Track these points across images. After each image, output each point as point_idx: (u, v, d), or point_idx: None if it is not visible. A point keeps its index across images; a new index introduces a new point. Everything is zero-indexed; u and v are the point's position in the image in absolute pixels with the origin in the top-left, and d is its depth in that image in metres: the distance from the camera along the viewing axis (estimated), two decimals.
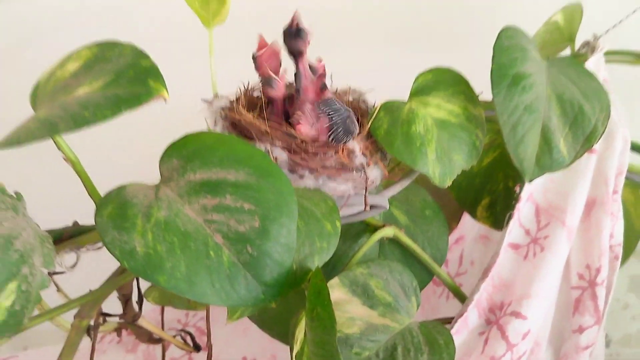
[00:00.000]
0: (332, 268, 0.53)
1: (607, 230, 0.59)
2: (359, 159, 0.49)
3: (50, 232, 0.47)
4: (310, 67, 0.52)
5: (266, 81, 0.50)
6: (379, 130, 0.50)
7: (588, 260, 0.59)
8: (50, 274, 0.50)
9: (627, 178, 0.62)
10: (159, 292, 0.61)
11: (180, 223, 0.38)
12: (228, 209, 0.39)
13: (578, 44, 0.70)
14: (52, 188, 0.72)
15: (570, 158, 0.52)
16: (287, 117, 0.52)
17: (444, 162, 0.50)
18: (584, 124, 0.52)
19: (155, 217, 0.38)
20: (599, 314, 0.58)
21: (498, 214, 0.65)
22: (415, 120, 0.50)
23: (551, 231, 0.57)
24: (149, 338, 0.62)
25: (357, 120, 0.54)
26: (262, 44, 0.52)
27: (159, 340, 0.63)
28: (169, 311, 0.71)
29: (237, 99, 0.53)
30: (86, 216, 0.49)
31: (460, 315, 0.53)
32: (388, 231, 0.53)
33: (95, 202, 0.46)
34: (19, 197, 0.37)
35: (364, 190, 0.50)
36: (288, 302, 0.47)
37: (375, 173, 0.50)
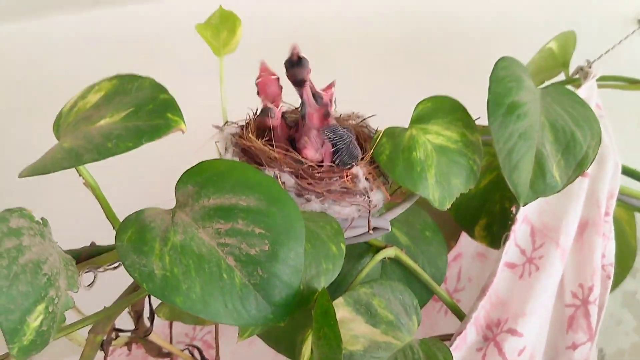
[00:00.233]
0: (337, 286, 0.55)
1: (599, 250, 0.62)
2: (363, 183, 0.51)
3: (68, 252, 0.50)
4: (317, 95, 0.54)
5: (264, 111, 0.53)
6: (382, 156, 0.53)
7: (581, 279, 0.62)
8: None
9: (619, 200, 0.65)
10: (169, 308, 0.64)
11: (195, 246, 0.40)
12: (240, 233, 0.41)
13: (572, 69, 0.72)
14: (69, 209, 0.74)
15: (563, 183, 0.54)
16: (293, 142, 0.54)
17: (443, 186, 0.53)
18: (576, 150, 0.55)
19: (172, 241, 0.40)
20: (591, 331, 0.60)
21: (495, 234, 0.67)
22: (416, 147, 0.53)
23: (545, 251, 0.60)
24: (159, 352, 0.64)
25: (360, 145, 0.57)
26: (263, 70, 0.55)
27: (167, 354, 0.65)
28: (177, 325, 0.73)
29: (247, 125, 0.55)
30: (104, 237, 0.52)
31: (459, 332, 0.55)
32: (390, 252, 0.56)
33: (112, 225, 0.48)
34: (44, 222, 0.40)
35: (368, 213, 0.52)
36: (294, 318, 0.49)
37: (378, 197, 0.53)
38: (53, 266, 0.37)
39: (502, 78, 0.55)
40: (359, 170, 0.51)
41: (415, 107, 0.57)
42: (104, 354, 0.59)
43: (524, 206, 0.55)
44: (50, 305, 0.35)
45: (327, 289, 0.45)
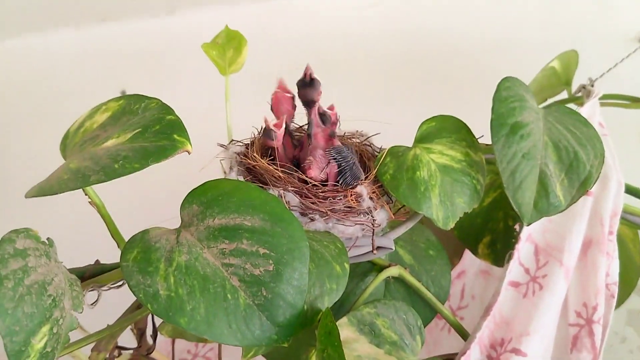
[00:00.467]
0: (340, 305, 0.55)
1: (603, 269, 0.61)
2: (367, 202, 0.52)
3: (73, 270, 0.50)
4: (324, 114, 0.55)
5: (266, 133, 0.53)
6: (385, 175, 0.53)
7: (585, 299, 0.61)
8: None
9: (622, 218, 0.65)
10: (172, 326, 0.64)
11: (199, 267, 0.40)
12: (244, 253, 0.41)
13: (574, 87, 0.73)
14: (75, 226, 0.75)
15: (567, 202, 0.54)
16: (298, 162, 0.54)
17: (446, 206, 0.53)
18: (579, 169, 0.55)
19: (177, 262, 0.40)
20: (595, 350, 0.60)
21: (499, 252, 0.67)
22: (420, 166, 0.53)
23: (549, 270, 0.59)
24: None
25: (364, 164, 0.57)
26: (279, 87, 0.56)
27: None
28: (180, 342, 0.73)
29: (252, 143, 0.56)
30: (109, 254, 0.52)
31: (463, 352, 0.55)
32: (393, 271, 0.56)
33: (117, 243, 0.48)
34: (50, 243, 0.40)
35: (372, 233, 0.52)
36: (298, 338, 0.49)
37: (381, 216, 0.53)
38: (58, 287, 0.37)
39: (505, 98, 0.55)
40: (363, 189, 0.52)
41: (420, 127, 0.57)
42: None
43: (527, 226, 0.55)
44: (55, 326, 0.36)
45: (330, 308, 0.45)
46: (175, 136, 0.41)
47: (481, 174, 0.55)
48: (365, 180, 0.53)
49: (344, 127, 0.62)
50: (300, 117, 0.58)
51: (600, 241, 0.62)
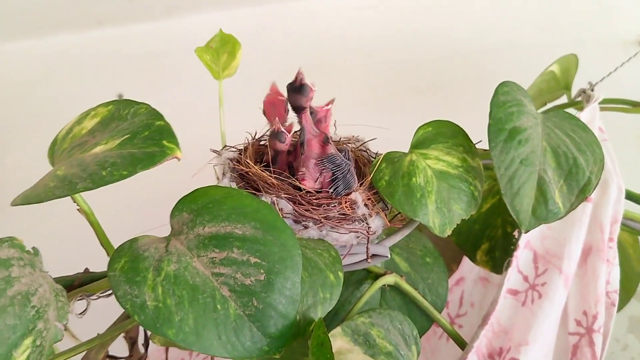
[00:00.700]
0: (335, 314, 0.54)
1: (603, 277, 0.60)
2: (362, 209, 0.51)
3: (61, 279, 0.49)
4: (312, 110, 0.54)
5: (275, 135, 0.52)
6: (381, 181, 0.52)
7: (585, 307, 0.60)
8: None
9: (623, 224, 0.64)
10: None
11: (189, 276, 0.39)
12: (235, 262, 0.40)
13: (574, 92, 0.72)
14: (64, 234, 0.74)
15: (566, 209, 0.53)
16: (291, 168, 0.53)
17: (443, 213, 0.52)
18: (579, 176, 0.54)
19: (166, 271, 0.39)
20: None
21: (497, 259, 0.66)
22: (416, 172, 0.52)
23: (548, 278, 0.58)
24: None
25: (359, 169, 0.56)
26: (272, 90, 0.55)
27: None
28: (173, 350, 0.72)
29: (245, 149, 0.55)
30: (99, 262, 0.51)
31: None
32: (389, 279, 0.55)
33: (106, 251, 0.48)
34: (35, 252, 0.39)
35: (367, 241, 0.51)
36: (291, 347, 0.48)
37: (377, 223, 0.52)
38: (42, 297, 0.36)
39: (503, 103, 0.54)
40: (358, 196, 0.51)
41: (416, 132, 0.56)
42: None
43: (526, 233, 0.54)
44: (38, 338, 0.35)
45: (324, 317, 0.45)
46: (164, 142, 0.40)
47: (479, 180, 0.55)
48: (360, 186, 0.52)
49: (340, 131, 0.61)
50: (294, 121, 0.58)
51: (601, 248, 0.61)
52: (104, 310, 0.54)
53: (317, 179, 0.51)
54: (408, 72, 0.94)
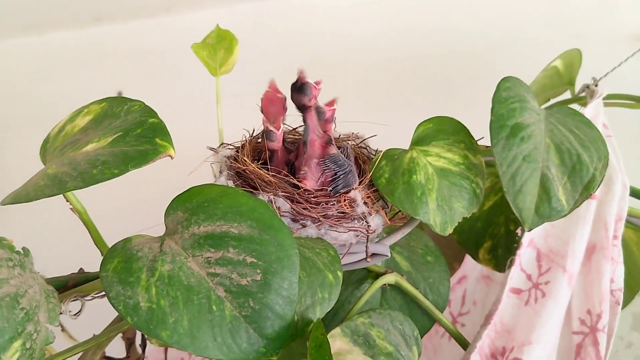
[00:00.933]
0: (334, 314, 0.53)
1: (607, 275, 0.59)
2: (361, 208, 0.50)
3: (56, 279, 0.48)
4: (319, 109, 0.53)
5: (266, 134, 0.51)
6: (381, 179, 0.51)
7: (589, 306, 0.59)
8: None
9: (627, 222, 0.63)
10: None
11: (183, 277, 0.38)
12: (231, 262, 0.39)
13: (577, 87, 0.71)
14: (58, 233, 0.73)
15: (569, 207, 0.52)
16: (290, 166, 0.53)
17: (444, 211, 0.51)
18: (583, 172, 0.53)
19: (160, 271, 0.38)
20: None
21: (500, 257, 0.65)
22: (416, 170, 0.51)
23: (552, 277, 0.57)
24: None
25: (359, 167, 0.55)
26: (271, 87, 0.54)
27: None
28: (172, 349, 0.71)
29: (242, 147, 0.54)
30: (94, 262, 0.50)
31: None
32: (390, 278, 0.54)
33: (100, 251, 0.47)
34: (26, 252, 0.38)
35: (366, 239, 0.50)
36: (289, 348, 0.47)
37: (377, 221, 0.51)
38: (32, 299, 0.35)
39: (505, 99, 0.53)
40: (357, 194, 0.50)
41: (416, 128, 0.55)
42: None
43: (529, 231, 0.53)
44: (28, 341, 0.34)
45: (323, 316, 0.44)
46: (157, 140, 0.39)
47: (480, 178, 0.53)
48: (359, 184, 0.51)
49: (340, 128, 0.60)
50: (294, 119, 0.57)
51: (605, 246, 0.60)
52: (101, 311, 0.53)
53: (319, 179, 0.50)
54: (408, 69, 0.93)
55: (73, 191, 0.43)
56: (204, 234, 0.40)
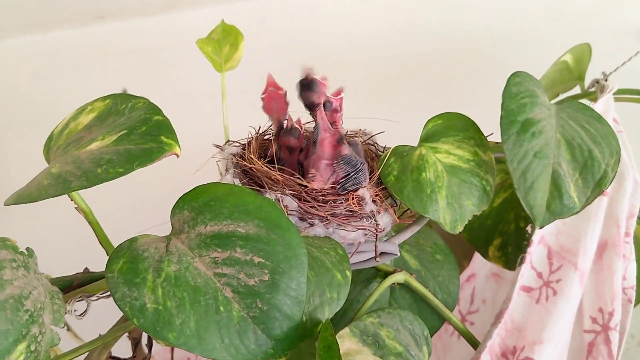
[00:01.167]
0: (343, 313, 0.53)
1: (619, 272, 0.58)
2: (369, 206, 0.49)
3: (61, 279, 0.47)
4: (328, 100, 0.52)
5: (289, 131, 0.50)
6: (389, 177, 0.50)
7: (601, 304, 0.59)
8: None
9: (639, 219, 0.62)
10: None
11: (190, 277, 0.38)
12: (238, 262, 0.39)
13: (587, 82, 0.70)
14: (64, 232, 0.72)
15: (581, 203, 0.52)
16: (299, 166, 0.52)
17: (454, 209, 0.50)
18: (594, 169, 0.52)
19: (166, 272, 0.38)
20: (612, 359, 0.57)
21: (510, 254, 0.64)
22: (426, 167, 0.50)
23: (563, 275, 0.57)
24: None
25: (368, 164, 0.54)
26: (269, 84, 0.53)
27: None
28: (179, 349, 0.71)
29: (249, 144, 0.53)
30: (99, 261, 0.50)
31: None
32: (399, 277, 0.53)
33: (106, 251, 0.46)
34: (30, 253, 0.38)
35: (375, 238, 0.49)
36: (298, 349, 0.47)
37: (385, 220, 0.50)
38: (37, 301, 0.34)
39: (515, 94, 0.52)
40: (365, 192, 0.49)
41: (425, 125, 0.54)
42: None
43: (540, 229, 0.52)
44: (33, 343, 0.33)
45: (332, 316, 0.43)
46: (162, 138, 0.39)
47: (491, 174, 0.53)
48: (368, 182, 0.50)
49: (347, 125, 0.59)
50: (300, 114, 0.56)
51: (616, 243, 0.59)
52: (106, 310, 0.52)
53: (329, 179, 0.49)
54: (415, 65, 0.92)
55: (77, 190, 0.42)
56: (210, 234, 0.40)
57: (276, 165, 0.49)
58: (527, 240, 0.63)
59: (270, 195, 0.47)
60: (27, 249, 0.37)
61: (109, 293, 0.47)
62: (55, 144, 0.42)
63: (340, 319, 0.53)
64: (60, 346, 0.52)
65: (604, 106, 0.63)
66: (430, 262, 0.57)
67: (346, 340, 0.45)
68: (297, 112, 0.54)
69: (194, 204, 0.41)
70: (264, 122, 0.56)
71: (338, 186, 0.48)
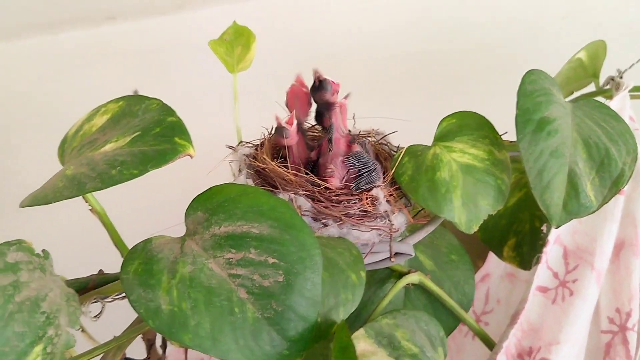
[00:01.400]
0: (357, 314, 0.52)
1: (636, 272, 0.58)
2: (383, 206, 0.49)
3: (75, 281, 0.48)
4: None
5: (278, 131, 0.50)
6: (404, 176, 0.50)
7: (618, 304, 0.58)
8: None
9: None
10: None
11: (204, 278, 0.38)
12: (252, 263, 0.39)
13: (602, 79, 0.69)
14: (78, 233, 0.73)
15: (598, 203, 0.51)
16: (313, 165, 0.52)
17: (469, 208, 0.49)
18: (611, 167, 0.51)
19: (181, 273, 0.38)
20: (630, 359, 0.57)
21: (525, 254, 0.64)
22: (440, 166, 0.50)
23: (580, 275, 0.56)
24: None
25: (381, 164, 0.54)
26: (297, 81, 0.53)
27: None
28: (192, 350, 0.71)
29: (261, 145, 0.53)
30: (113, 263, 0.50)
31: None
32: (413, 277, 0.53)
33: (120, 252, 0.46)
34: (46, 255, 0.38)
35: (389, 239, 0.49)
36: (312, 350, 0.46)
37: (399, 220, 0.50)
38: (53, 303, 0.34)
39: (531, 93, 0.52)
40: (379, 192, 0.49)
41: (439, 124, 0.54)
42: None
43: (556, 228, 0.52)
44: (49, 345, 0.33)
45: (346, 318, 0.43)
46: (176, 139, 0.39)
47: (506, 174, 0.52)
48: (382, 182, 0.50)
49: (360, 124, 0.59)
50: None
51: (634, 243, 0.58)
52: (121, 312, 0.52)
53: (343, 177, 0.49)
54: (429, 63, 0.92)
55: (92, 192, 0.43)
56: (224, 235, 0.40)
57: (289, 165, 0.49)
58: (542, 240, 0.63)
59: (284, 196, 0.47)
60: (43, 251, 0.37)
61: (123, 295, 0.47)
62: (70, 146, 0.43)
63: (355, 320, 0.53)
64: (75, 347, 0.52)
65: (619, 104, 0.62)
66: (445, 262, 0.57)
67: (361, 342, 0.45)
68: None
69: (208, 205, 0.41)
70: (276, 123, 0.56)
71: (352, 185, 0.48)
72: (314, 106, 0.54)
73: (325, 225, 0.48)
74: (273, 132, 0.55)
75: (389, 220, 0.49)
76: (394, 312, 0.47)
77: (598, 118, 0.55)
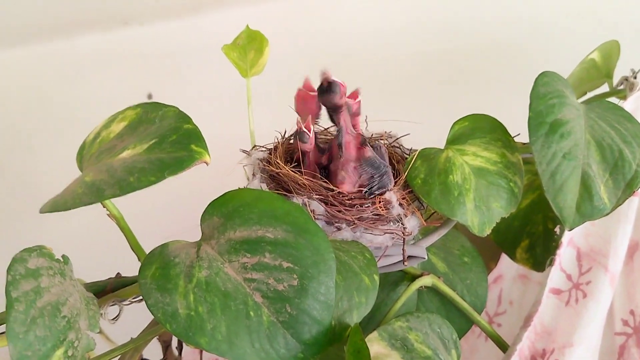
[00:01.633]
0: (371, 317, 0.53)
1: None
2: (396, 209, 0.49)
3: (94, 284, 0.48)
4: (346, 104, 0.52)
5: (298, 135, 0.50)
6: (416, 180, 0.50)
7: (632, 306, 0.58)
8: None
9: None
10: None
11: (220, 283, 0.38)
12: (267, 267, 0.39)
13: (616, 80, 0.69)
14: (96, 237, 0.74)
15: (612, 205, 0.51)
16: (322, 168, 0.52)
17: (482, 211, 0.50)
18: (625, 169, 0.51)
19: (197, 278, 0.38)
20: None
21: (538, 256, 0.64)
22: (453, 169, 0.50)
23: (593, 277, 0.56)
24: None
25: (394, 167, 0.54)
26: (305, 85, 0.53)
27: None
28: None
29: (275, 149, 0.53)
30: (131, 266, 0.51)
31: None
32: (426, 280, 0.53)
33: (137, 256, 0.47)
34: (65, 260, 0.39)
35: (402, 242, 0.49)
36: (326, 353, 0.47)
37: (412, 223, 0.50)
38: (73, 307, 0.35)
39: (544, 95, 0.52)
40: (392, 195, 0.49)
41: (452, 127, 0.54)
42: None
43: (569, 231, 0.52)
44: (70, 349, 0.34)
45: (360, 321, 0.43)
46: (192, 146, 0.39)
47: (519, 176, 0.52)
48: (394, 185, 0.50)
49: (372, 127, 0.59)
50: (325, 119, 0.56)
51: None
52: (138, 314, 0.53)
53: (356, 182, 0.49)
54: (441, 64, 0.92)
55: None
56: (239, 239, 0.40)
57: (302, 170, 0.50)
58: (555, 241, 0.63)
59: (297, 200, 0.48)
60: (63, 256, 0.38)
61: (140, 297, 0.48)
62: (88, 152, 0.43)
63: (368, 323, 0.53)
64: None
65: (633, 104, 0.62)
66: (458, 264, 0.57)
67: (375, 344, 0.46)
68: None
69: (224, 209, 0.42)
70: (289, 127, 0.56)
71: (365, 190, 0.49)
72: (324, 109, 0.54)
73: (339, 228, 0.48)
74: (290, 136, 0.56)
75: (401, 223, 0.49)
76: (407, 315, 0.47)
77: (611, 119, 0.55)
